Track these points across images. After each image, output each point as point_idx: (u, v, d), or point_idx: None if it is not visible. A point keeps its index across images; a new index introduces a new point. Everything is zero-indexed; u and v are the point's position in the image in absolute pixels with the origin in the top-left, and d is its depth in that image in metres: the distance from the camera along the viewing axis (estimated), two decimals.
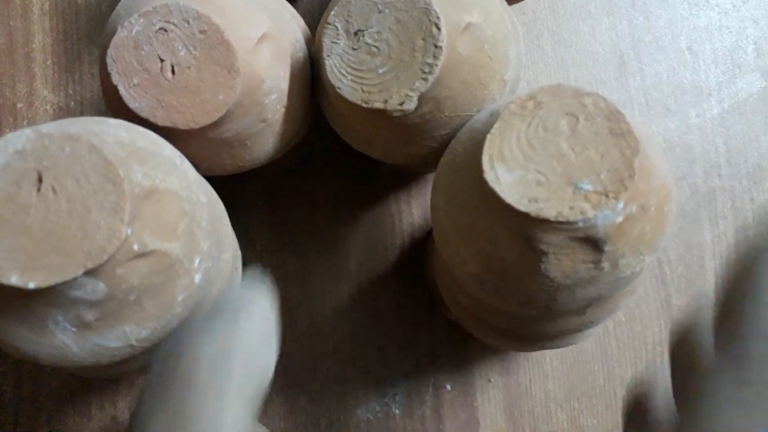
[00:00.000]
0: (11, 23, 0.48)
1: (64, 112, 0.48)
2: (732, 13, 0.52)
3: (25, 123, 0.47)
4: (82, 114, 0.48)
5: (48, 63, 0.48)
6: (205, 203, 0.29)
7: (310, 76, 0.36)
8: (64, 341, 0.26)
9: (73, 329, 0.26)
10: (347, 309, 0.47)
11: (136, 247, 0.25)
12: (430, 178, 0.48)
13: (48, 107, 0.48)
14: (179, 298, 0.28)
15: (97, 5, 0.49)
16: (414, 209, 0.48)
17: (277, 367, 0.45)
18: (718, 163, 0.50)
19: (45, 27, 0.48)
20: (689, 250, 0.49)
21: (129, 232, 0.24)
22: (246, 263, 0.41)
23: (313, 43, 0.37)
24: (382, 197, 0.48)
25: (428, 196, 0.46)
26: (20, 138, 0.25)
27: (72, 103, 0.48)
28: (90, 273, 0.24)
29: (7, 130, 0.47)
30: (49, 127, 0.25)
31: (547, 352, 0.47)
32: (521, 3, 0.45)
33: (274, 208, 0.48)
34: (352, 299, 0.47)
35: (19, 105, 0.48)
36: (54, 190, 0.24)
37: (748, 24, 0.52)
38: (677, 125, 0.50)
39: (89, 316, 0.26)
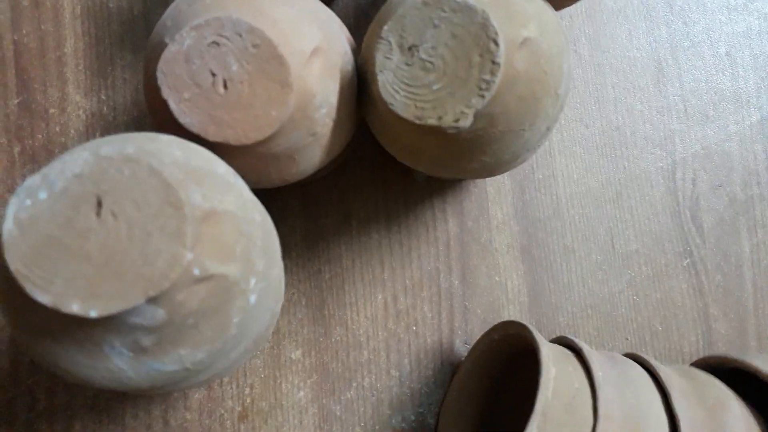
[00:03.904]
0: (42, 27, 0.48)
1: (97, 117, 0.47)
2: None
3: (57, 129, 0.47)
4: (115, 119, 0.47)
5: (80, 68, 0.47)
6: (259, 222, 0.29)
7: (356, 88, 0.35)
8: (119, 366, 0.26)
9: (130, 354, 0.25)
10: (382, 318, 0.47)
11: (196, 271, 0.24)
12: (466, 184, 0.48)
13: (81, 113, 0.47)
14: (235, 320, 0.27)
15: (129, 9, 0.48)
16: (449, 217, 0.48)
17: (311, 376, 0.45)
18: (757, 171, 0.50)
19: (77, 31, 0.48)
20: (727, 259, 0.49)
21: (191, 257, 0.24)
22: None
23: (357, 53, 0.37)
24: (416, 205, 0.48)
25: (464, 204, 0.46)
26: (78, 161, 0.24)
27: (105, 108, 0.47)
28: (150, 300, 0.23)
29: (39, 136, 0.47)
30: (107, 149, 0.24)
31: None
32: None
33: (308, 216, 0.47)
34: (386, 308, 0.47)
35: (51, 110, 0.47)
36: (114, 214, 0.24)
37: None
38: (716, 132, 0.50)
39: (146, 341, 0.25)
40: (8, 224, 0.23)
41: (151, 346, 0.25)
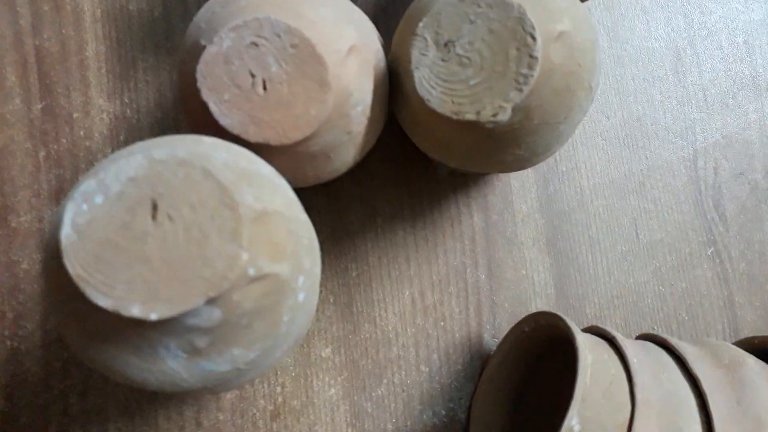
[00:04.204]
0: (63, 31, 0.48)
1: (120, 120, 0.47)
2: None
3: (81, 133, 0.47)
4: (139, 122, 0.47)
5: (102, 71, 0.48)
6: (304, 221, 0.29)
7: (388, 85, 0.35)
8: (173, 368, 0.26)
9: (184, 355, 0.26)
10: (410, 314, 0.47)
11: (251, 271, 0.25)
12: (489, 178, 0.48)
13: (104, 116, 0.47)
14: (285, 319, 0.27)
15: (150, 11, 0.48)
16: (474, 211, 0.48)
17: (342, 373, 0.45)
18: None
19: (98, 34, 0.48)
20: (750, 247, 0.49)
21: (247, 257, 0.24)
22: None
23: (386, 51, 0.37)
24: (440, 200, 0.48)
25: (488, 198, 0.46)
26: (132, 164, 0.24)
27: (128, 111, 0.47)
28: (209, 301, 0.24)
29: (64, 140, 0.47)
30: (160, 152, 0.24)
31: None
32: None
33: (334, 214, 0.47)
34: (414, 304, 0.47)
35: (75, 114, 0.47)
36: (170, 217, 0.24)
37: None
38: (736, 121, 0.50)
39: (201, 342, 0.25)
40: (66, 229, 0.23)
41: (205, 347, 0.26)
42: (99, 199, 0.24)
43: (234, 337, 0.26)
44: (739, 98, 0.50)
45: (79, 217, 0.24)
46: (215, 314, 0.25)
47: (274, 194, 0.27)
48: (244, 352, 0.27)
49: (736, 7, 0.51)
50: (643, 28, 0.50)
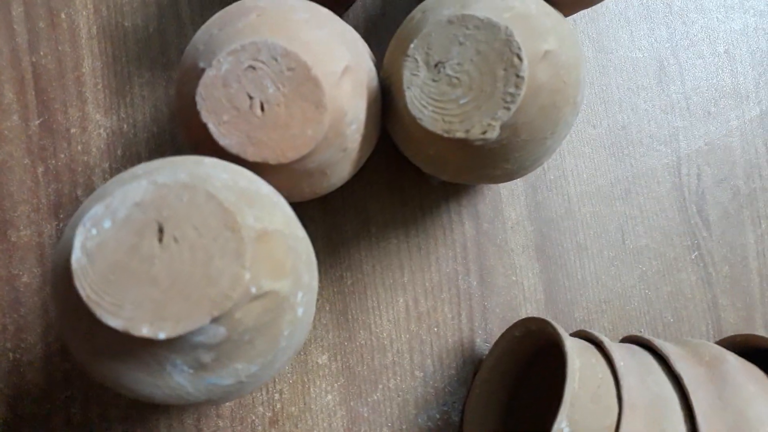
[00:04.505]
0: (59, 48, 0.49)
1: (117, 135, 0.48)
2: (766, 15, 0.53)
3: (79, 148, 0.48)
4: (135, 136, 0.48)
5: (99, 87, 0.48)
6: (302, 237, 0.30)
7: (381, 102, 0.37)
8: (180, 383, 0.27)
9: (190, 371, 0.27)
10: (404, 320, 0.48)
11: (253, 290, 0.26)
12: (480, 188, 0.49)
13: (101, 131, 0.48)
14: (285, 333, 0.29)
15: (145, 27, 0.49)
16: (465, 219, 0.49)
17: (338, 379, 0.46)
18: (759, 164, 0.51)
19: (94, 51, 0.49)
20: (733, 251, 0.51)
21: (249, 276, 0.25)
22: None
23: (378, 68, 0.38)
24: (432, 209, 0.49)
25: (479, 206, 0.47)
26: (138, 189, 0.25)
27: (125, 126, 0.48)
28: (214, 319, 0.25)
29: (62, 156, 0.48)
30: (164, 177, 0.26)
31: None
32: None
33: (328, 224, 0.48)
34: (408, 310, 0.48)
35: (72, 130, 0.48)
36: (176, 239, 0.25)
37: None
38: (718, 128, 0.51)
39: (206, 358, 0.26)
40: (77, 253, 0.24)
41: (210, 363, 0.27)
42: (107, 224, 0.25)
43: (237, 353, 0.27)
44: (721, 106, 0.52)
45: (88, 241, 0.25)
46: (219, 331, 0.26)
47: (274, 213, 0.28)
48: (247, 366, 0.28)
49: (717, 18, 0.53)
50: (627, 39, 0.52)
